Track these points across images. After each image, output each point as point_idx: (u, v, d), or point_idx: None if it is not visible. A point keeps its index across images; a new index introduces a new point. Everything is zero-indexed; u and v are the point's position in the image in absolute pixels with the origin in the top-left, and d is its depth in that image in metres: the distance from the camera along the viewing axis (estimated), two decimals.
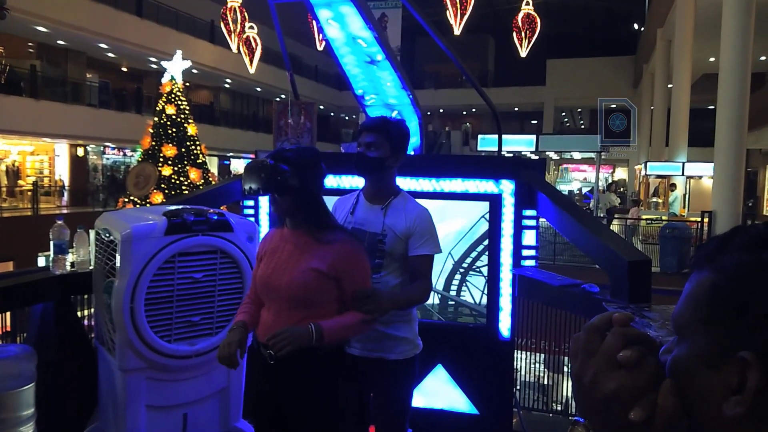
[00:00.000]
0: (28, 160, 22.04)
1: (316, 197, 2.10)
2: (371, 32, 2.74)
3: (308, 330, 1.90)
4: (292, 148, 2.12)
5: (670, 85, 18.55)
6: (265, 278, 2.11)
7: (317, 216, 2.09)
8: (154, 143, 11.49)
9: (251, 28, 15.49)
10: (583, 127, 33.26)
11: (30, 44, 20.05)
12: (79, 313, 3.21)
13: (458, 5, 15.47)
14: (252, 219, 3.39)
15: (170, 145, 11.46)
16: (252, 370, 2.18)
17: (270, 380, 2.09)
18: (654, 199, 17.05)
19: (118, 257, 2.67)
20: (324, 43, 3.26)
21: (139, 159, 11.96)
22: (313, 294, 2.02)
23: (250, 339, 3.01)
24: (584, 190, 21.35)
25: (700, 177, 16.98)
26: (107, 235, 2.80)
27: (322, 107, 31.67)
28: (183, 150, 11.70)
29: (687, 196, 16.96)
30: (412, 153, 3.55)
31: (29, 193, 19.33)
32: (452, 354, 3.23)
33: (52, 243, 2.87)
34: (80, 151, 22.11)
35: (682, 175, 16.11)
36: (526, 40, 17.32)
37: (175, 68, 10.79)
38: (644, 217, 15.11)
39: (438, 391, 3.24)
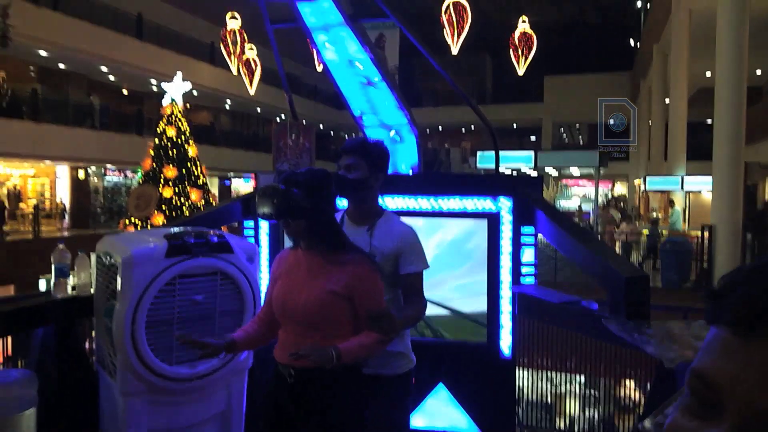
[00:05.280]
0: (29, 183, 22.13)
1: (328, 218, 2.13)
2: (367, 55, 2.79)
3: (329, 353, 1.91)
4: (302, 171, 2.14)
5: (667, 100, 18.66)
6: (281, 300, 2.12)
7: (330, 237, 2.11)
8: (155, 164, 11.55)
9: (251, 49, 15.65)
10: (581, 142, 33.38)
11: (31, 68, 20.24)
12: (80, 337, 3.21)
13: (455, 25, 15.65)
14: (252, 240, 3.41)
15: (171, 166, 11.53)
16: (270, 390, 2.19)
17: (289, 399, 2.10)
18: (654, 214, 17.06)
19: (118, 280, 2.69)
20: (322, 65, 3.31)
21: (140, 181, 12.02)
22: (329, 315, 2.04)
23: (252, 359, 3.02)
24: (584, 207, 21.32)
25: (699, 191, 17.00)
26: (108, 258, 2.81)
27: (321, 126, 31.85)
28: (183, 171, 11.77)
29: (687, 210, 16.97)
30: (410, 172, 3.58)
31: (30, 216, 19.39)
32: (453, 373, 3.23)
33: (53, 266, 2.89)
34: (81, 174, 22.20)
35: (681, 189, 16.13)
36: (523, 58, 17.48)
37: (176, 90, 10.89)
38: (644, 231, 15.10)
39: (439, 411, 3.23)
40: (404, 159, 3.59)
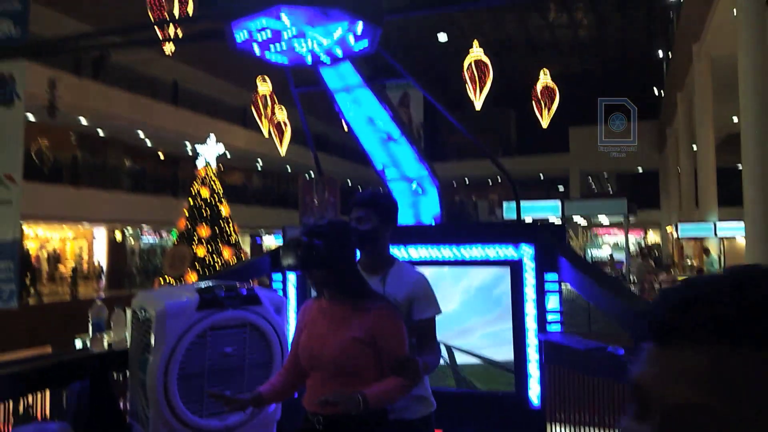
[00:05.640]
0: (67, 246, 22.80)
1: (350, 267, 2.21)
2: (386, 112, 2.94)
3: (356, 399, 1.95)
4: (323, 223, 2.24)
5: (695, 146, 18.57)
6: (307, 349, 2.18)
7: (353, 285, 2.18)
8: (189, 224, 11.89)
9: (281, 110, 16.18)
10: (610, 191, 33.16)
11: (72, 135, 21.21)
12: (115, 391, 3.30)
13: (477, 80, 16.00)
14: (280, 292, 3.50)
15: (204, 225, 11.84)
16: None
17: None
18: (688, 262, 16.70)
19: (152, 333, 2.79)
20: (345, 123, 3.47)
21: (175, 241, 12.34)
22: (354, 361, 2.09)
23: (280, 411, 3.06)
24: (615, 256, 20.98)
25: (734, 237, 16.66)
26: (143, 312, 2.93)
27: (349, 182, 32.35)
28: (216, 230, 12.07)
29: (722, 257, 16.58)
30: (433, 222, 3.66)
31: (68, 278, 19.92)
32: (483, 422, 3.20)
33: (90, 322, 3.01)
34: (118, 236, 22.84)
35: (715, 235, 15.84)
36: (546, 110, 17.75)
37: (209, 152, 11.30)
38: (680, 278, 14.79)
39: None
40: (427, 210, 3.68)
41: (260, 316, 2.94)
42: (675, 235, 17.83)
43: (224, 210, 12.36)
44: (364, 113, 3.08)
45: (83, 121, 19.58)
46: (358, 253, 2.50)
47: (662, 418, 0.51)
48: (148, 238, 24.79)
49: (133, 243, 24.23)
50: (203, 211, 11.87)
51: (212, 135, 11.27)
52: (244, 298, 2.94)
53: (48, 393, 3.01)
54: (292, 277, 3.47)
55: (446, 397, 3.15)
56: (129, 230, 23.35)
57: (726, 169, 19.29)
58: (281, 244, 2.67)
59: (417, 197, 3.64)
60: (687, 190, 20.49)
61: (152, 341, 2.79)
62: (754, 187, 10.21)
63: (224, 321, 2.87)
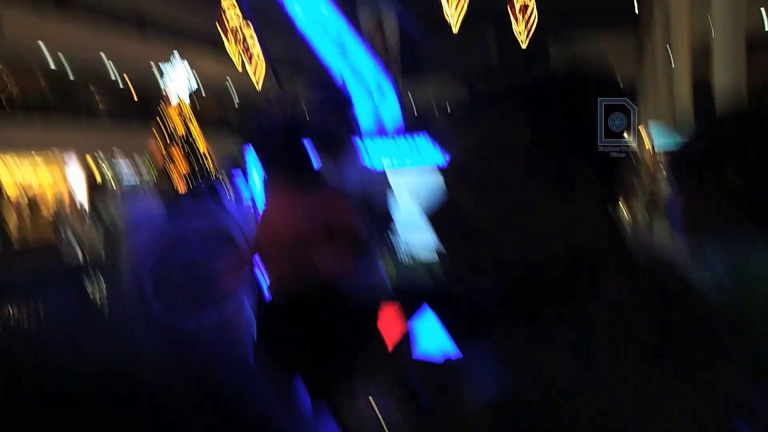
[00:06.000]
0: (48, 193, 22.54)
1: (304, 159, 2.33)
2: (334, 9, 2.96)
3: (309, 269, 2.17)
4: (275, 117, 2.35)
5: (672, 60, 18.50)
6: (266, 234, 2.37)
7: (305, 172, 2.32)
8: (166, 162, 11.83)
9: (248, 27, 15.68)
10: None
11: (36, 71, 20.67)
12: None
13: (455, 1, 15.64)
14: (248, 199, 3.59)
15: (182, 161, 11.81)
16: (266, 325, 2.40)
17: (282, 326, 2.33)
18: (664, 173, 16.93)
19: (123, 245, 2.91)
20: (302, 36, 3.47)
21: (155, 179, 12.29)
22: (310, 241, 2.24)
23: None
24: None
25: None
26: (113, 226, 3.04)
27: None
28: (195, 167, 12.05)
29: None
30: (395, 128, 3.73)
31: (53, 224, 19.87)
32: (438, 295, 3.38)
33: (62, 233, 3.11)
34: (97, 176, 22.63)
35: None
36: (524, 23, 17.49)
37: (179, 76, 11.10)
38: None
39: (425, 334, 3.40)
40: (388, 115, 3.75)
41: (227, 221, 3.06)
42: (650, 148, 18.04)
43: (201, 146, 12.29)
44: (315, 18, 3.09)
45: (46, 54, 19.17)
46: (316, 149, 2.61)
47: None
48: (128, 174, 24.42)
49: (114, 185, 23.99)
50: (182, 147, 11.79)
51: (175, 53, 11.04)
52: (210, 205, 3.05)
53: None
54: (257, 180, 3.55)
55: (421, 293, 3.32)
56: (105, 165, 22.98)
57: (703, 86, 19.28)
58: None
59: (377, 104, 3.70)
60: (664, 101, 20.55)
61: (124, 252, 2.92)
62: (725, 96, 10.30)
63: (192, 227, 2.99)
